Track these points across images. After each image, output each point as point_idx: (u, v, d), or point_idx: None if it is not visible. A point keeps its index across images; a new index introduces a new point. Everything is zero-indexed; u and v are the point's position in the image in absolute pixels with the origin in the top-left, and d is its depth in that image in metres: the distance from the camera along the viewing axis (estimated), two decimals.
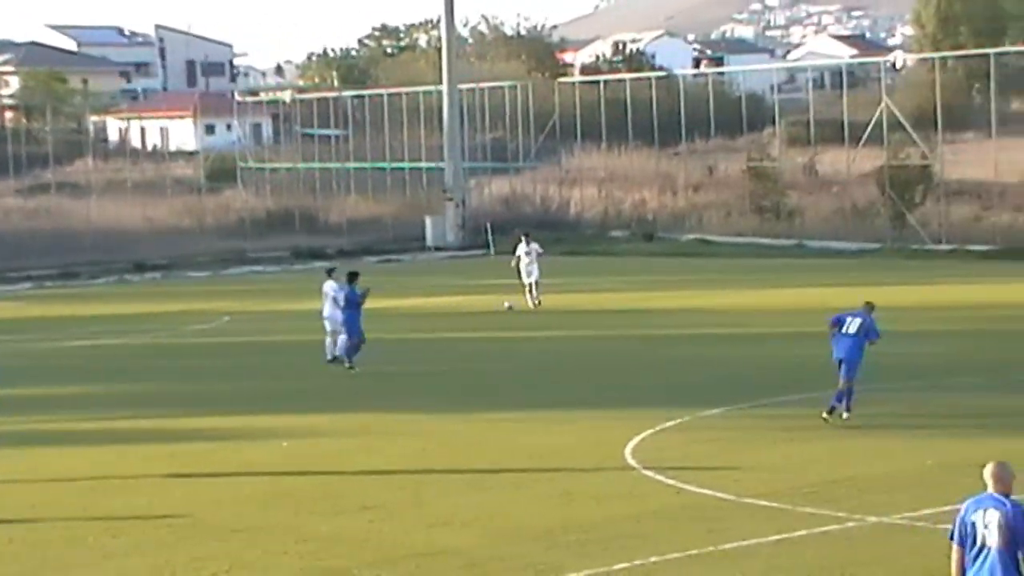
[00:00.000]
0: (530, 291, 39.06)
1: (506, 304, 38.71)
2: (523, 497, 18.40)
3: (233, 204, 70.78)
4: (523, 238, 40.28)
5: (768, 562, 14.92)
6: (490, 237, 59.49)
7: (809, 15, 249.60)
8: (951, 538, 10.82)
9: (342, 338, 29.97)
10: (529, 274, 39.03)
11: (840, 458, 19.79)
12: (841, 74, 67.91)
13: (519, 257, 39.66)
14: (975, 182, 57.34)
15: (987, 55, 59.42)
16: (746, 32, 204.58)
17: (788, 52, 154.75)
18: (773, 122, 67.22)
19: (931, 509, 16.53)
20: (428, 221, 64.24)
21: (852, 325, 22.54)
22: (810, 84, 74.60)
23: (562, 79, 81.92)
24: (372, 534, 16.77)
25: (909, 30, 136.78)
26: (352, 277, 30.18)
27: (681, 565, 14.93)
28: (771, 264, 52.75)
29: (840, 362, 22.44)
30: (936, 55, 66.12)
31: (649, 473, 19.23)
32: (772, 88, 75.98)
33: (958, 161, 58.29)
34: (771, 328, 35.04)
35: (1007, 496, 10.63)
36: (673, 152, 67.95)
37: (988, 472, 10.81)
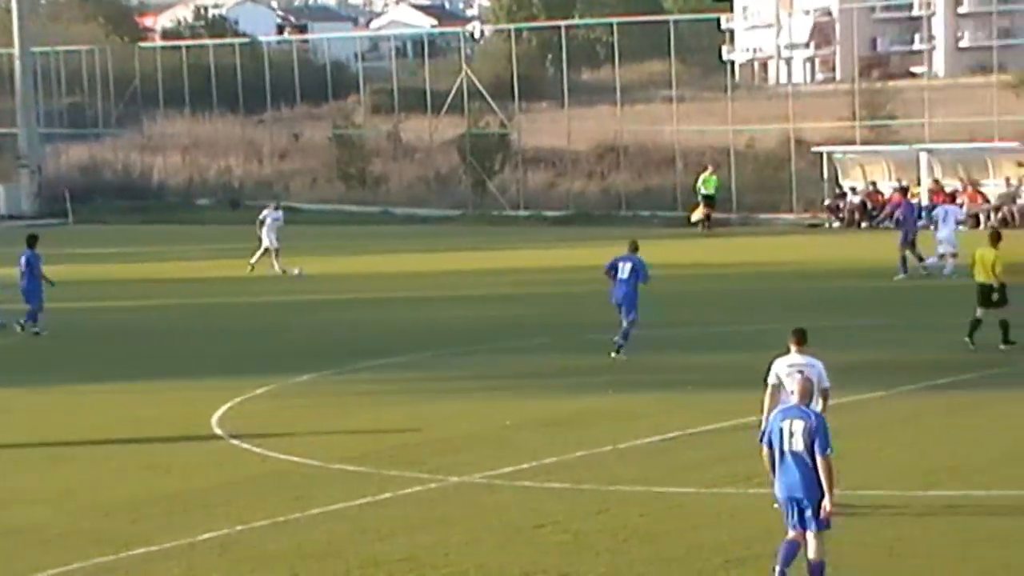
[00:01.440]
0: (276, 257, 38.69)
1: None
2: (106, 470, 18.06)
3: None
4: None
5: (355, 524, 15.21)
6: (68, 205, 57.58)
7: None
8: (761, 441, 12.72)
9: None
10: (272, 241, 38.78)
11: (423, 421, 20.30)
12: (423, 43, 69.02)
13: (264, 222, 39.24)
14: (550, 150, 59.59)
15: (559, 27, 61.73)
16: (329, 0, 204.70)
17: (371, 20, 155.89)
18: (357, 90, 67.70)
19: (510, 467, 17.22)
20: (1, 189, 61.64)
21: (624, 270, 24.40)
22: (393, 52, 75.36)
23: (143, 44, 79.86)
24: None
25: (486, 1, 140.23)
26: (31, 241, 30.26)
27: (267, 532, 15.03)
28: (358, 231, 53.27)
29: (619, 306, 24.41)
30: (511, 26, 68.20)
31: (235, 442, 19.21)
32: (356, 56, 76.41)
33: (534, 130, 60.40)
34: (358, 294, 35.47)
35: (808, 407, 12.55)
36: (258, 119, 67.47)
37: (796, 386, 12.88)
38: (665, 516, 15.03)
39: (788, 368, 14.78)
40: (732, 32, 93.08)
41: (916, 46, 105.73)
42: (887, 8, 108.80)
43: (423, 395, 22.30)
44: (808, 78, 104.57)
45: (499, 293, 34.69)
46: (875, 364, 23.02)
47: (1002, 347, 23.60)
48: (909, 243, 34.37)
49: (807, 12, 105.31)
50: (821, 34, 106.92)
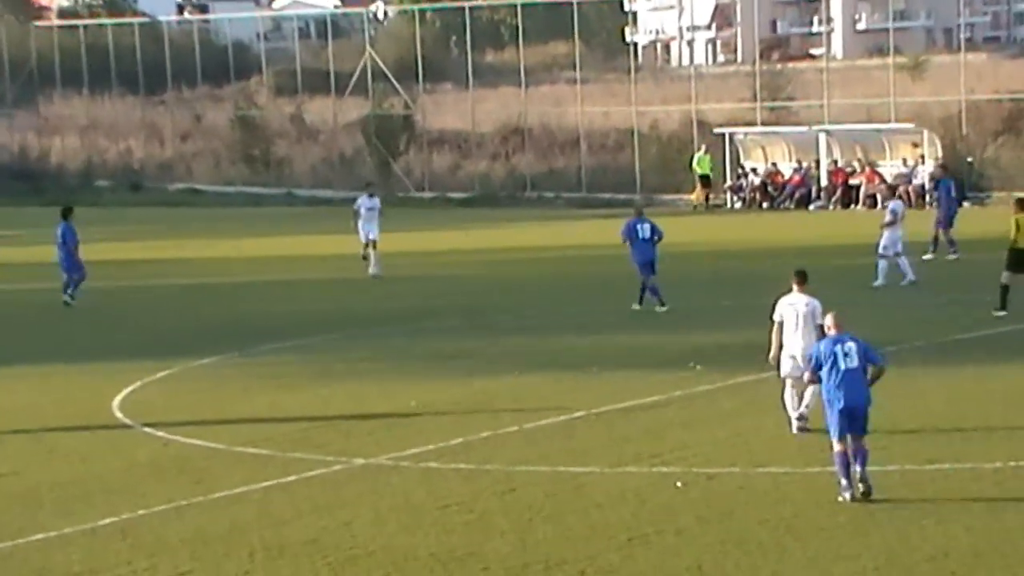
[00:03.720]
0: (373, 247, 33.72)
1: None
2: (2, 457, 17.79)
3: None
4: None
5: (259, 508, 15.13)
6: None
7: None
8: (813, 368, 14.87)
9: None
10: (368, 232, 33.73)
11: (328, 403, 20.24)
12: (326, 24, 68.60)
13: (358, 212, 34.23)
14: (454, 131, 59.54)
15: (463, 8, 61.66)
16: None
17: (273, 0, 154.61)
18: (260, 71, 67.16)
19: (415, 449, 17.22)
20: None
21: (645, 231, 26.82)
22: (296, 33, 74.83)
23: (38, 23, 78.57)
24: None
25: None
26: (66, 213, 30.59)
27: (169, 516, 14.90)
28: (262, 213, 52.92)
29: (646, 264, 26.75)
30: (415, 7, 68.03)
31: (136, 426, 19.02)
32: (258, 36, 75.78)
33: (438, 111, 60.35)
34: (262, 277, 35.25)
35: (847, 334, 14.83)
36: (159, 100, 66.71)
37: (830, 321, 15.05)
38: (569, 496, 15.12)
39: (788, 306, 17.24)
40: (635, 14, 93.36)
41: (815, 28, 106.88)
42: None
43: (328, 377, 22.22)
44: (710, 60, 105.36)
45: (404, 275, 34.63)
46: None
47: None
48: (947, 223, 33.50)
49: None
50: (722, 16, 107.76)
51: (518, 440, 17.61)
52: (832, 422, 14.61)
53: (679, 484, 15.25)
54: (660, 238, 27.14)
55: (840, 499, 14.45)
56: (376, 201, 34.12)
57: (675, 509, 14.42)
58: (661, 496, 14.87)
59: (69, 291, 30.24)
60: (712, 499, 14.73)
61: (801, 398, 17.10)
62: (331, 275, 35.16)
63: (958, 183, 37.98)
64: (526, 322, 26.57)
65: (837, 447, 14.58)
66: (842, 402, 14.50)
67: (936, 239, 33.53)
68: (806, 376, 15.41)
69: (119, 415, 19.78)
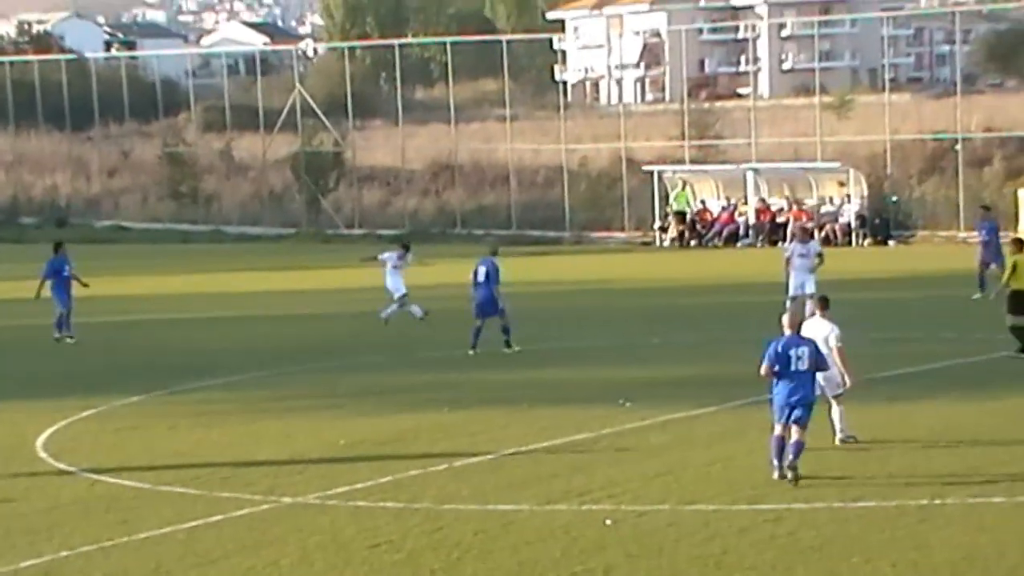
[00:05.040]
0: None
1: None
2: None
3: None
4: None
5: (185, 548, 14.96)
6: None
7: (220, 1, 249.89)
8: (764, 365, 16.39)
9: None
10: None
11: (256, 441, 20.07)
12: (255, 60, 68.47)
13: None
14: (384, 168, 59.57)
15: (392, 45, 61.77)
16: (158, 16, 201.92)
17: (201, 37, 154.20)
18: (188, 107, 66.89)
19: (344, 487, 17.10)
20: None
21: (480, 274, 26.53)
22: (225, 70, 74.63)
23: None
24: None
25: (319, 19, 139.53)
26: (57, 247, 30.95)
27: (93, 557, 14.69)
28: (190, 249, 52.59)
29: (476, 306, 26.53)
30: (345, 44, 68.07)
31: (61, 465, 18.76)
32: (187, 73, 75.51)
33: (368, 147, 60.35)
34: (190, 314, 34.99)
35: (799, 335, 16.63)
36: (86, 136, 66.25)
37: (786, 321, 16.67)
38: (499, 533, 15.07)
39: (812, 331, 17.54)
40: (564, 52, 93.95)
41: (742, 68, 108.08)
42: (714, 31, 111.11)
43: (256, 415, 22.05)
44: (639, 98, 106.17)
45: (333, 312, 34.50)
46: (707, 378, 23.41)
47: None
48: (989, 262, 32.25)
49: (637, 33, 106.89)
50: (651, 55, 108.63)
51: (447, 477, 17.55)
52: (777, 410, 16.36)
53: (608, 521, 15.25)
54: (493, 280, 26.32)
55: (774, 476, 16.26)
56: (405, 255, 32.03)
57: (604, 546, 14.41)
58: (590, 533, 14.86)
59: (63, 328, 30.18)
60: (641, 536, 14.73)
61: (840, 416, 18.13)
62: (260, 312, 34.96)
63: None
64: (455, 358, 26.52)
65: (777, 430, 16.33)
66: (790, 398, 16.22)
67: (982, 277, 32.20)
68: (762, 370, 16.49)
69: (43, 455, 19.50)
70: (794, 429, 16.25)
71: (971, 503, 15.54)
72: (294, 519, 15.98)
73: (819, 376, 17.04)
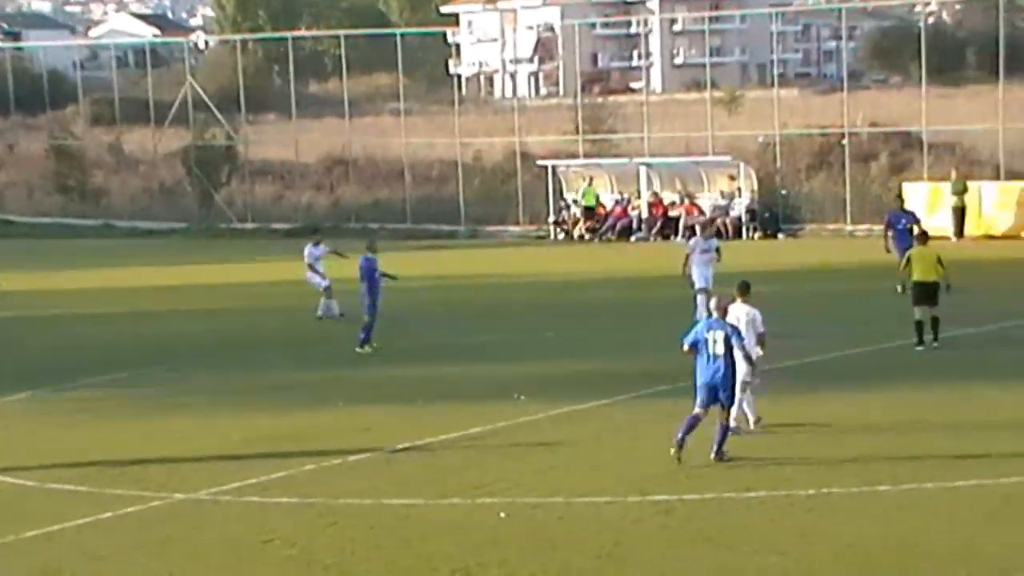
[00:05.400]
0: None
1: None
2: None
3: None
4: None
5: (73, 546, 14.78)
6: None
7: None
8: (686, 342, 17.11)
9: None
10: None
11: (147, 438, 19.87)
12: (145, 53, 67.60)
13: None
14: (278, 162, 59.11)
15: (285, 38, 61.34)
16: (44, 7, 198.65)
17: (89, 28, 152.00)
18: (76, 99, 65.90)
19: (236, 483, 16.99)
20: None
21: (363, 269, 26.45)
22: (114, 62, 73.62)
23: None
24: None
25: (210, 11, 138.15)
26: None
27: None
28: (79, 244, 51.85)
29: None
30: (237, 37, 67.47)
31: None
32: (74, 65, 74.39)
33: (261, 142, 59.84)
34: (80, 309, 34.51)
35: (724, 320, 17.21)
36: None
37: (713, 305, 17.48)
38: (393, 528, 15.08)
39: (733, 316, 17.90)
40: (458, 46, 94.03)
41: (635, 63, 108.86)
42: (607, 25, 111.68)
43: (147, 411, 21.82)
44: (533, 92, 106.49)
45: (226, 307, 34.22)
46: (597, 373, 23.56)
47: (935, 344, 24.32)
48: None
49: (530, 27, 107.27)
50: (545, 49, 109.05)
51: (341, 472, 17.52)
52: (699, 393, 17.04)
53: (503, 515, 15.32)
54: (364, 277, 26.32)
55: (671, 452, 16.91)
56: (320, 249, 31.55)
57: (499, 540, 14.47)
58: (485, 527, 14.92)
59: None
60: (535, 529, 14.82)
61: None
62: (149, 307, 34.57)
63: None
64: (349, 353, 26.45)
65: (697, 411, 17.03)
66: (706, 379, 16.95)
67: None
68: (684, 348, 17.18)
69: None
70: (718, 412, 16.99)
71: (857, 492, 15.83)
72: (186, 516, 15.86)
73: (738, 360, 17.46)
